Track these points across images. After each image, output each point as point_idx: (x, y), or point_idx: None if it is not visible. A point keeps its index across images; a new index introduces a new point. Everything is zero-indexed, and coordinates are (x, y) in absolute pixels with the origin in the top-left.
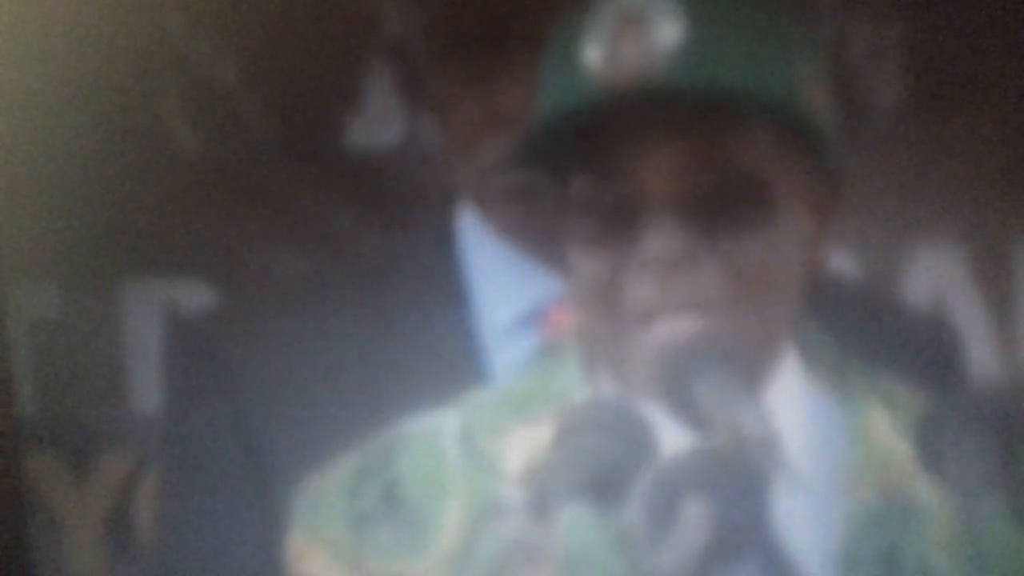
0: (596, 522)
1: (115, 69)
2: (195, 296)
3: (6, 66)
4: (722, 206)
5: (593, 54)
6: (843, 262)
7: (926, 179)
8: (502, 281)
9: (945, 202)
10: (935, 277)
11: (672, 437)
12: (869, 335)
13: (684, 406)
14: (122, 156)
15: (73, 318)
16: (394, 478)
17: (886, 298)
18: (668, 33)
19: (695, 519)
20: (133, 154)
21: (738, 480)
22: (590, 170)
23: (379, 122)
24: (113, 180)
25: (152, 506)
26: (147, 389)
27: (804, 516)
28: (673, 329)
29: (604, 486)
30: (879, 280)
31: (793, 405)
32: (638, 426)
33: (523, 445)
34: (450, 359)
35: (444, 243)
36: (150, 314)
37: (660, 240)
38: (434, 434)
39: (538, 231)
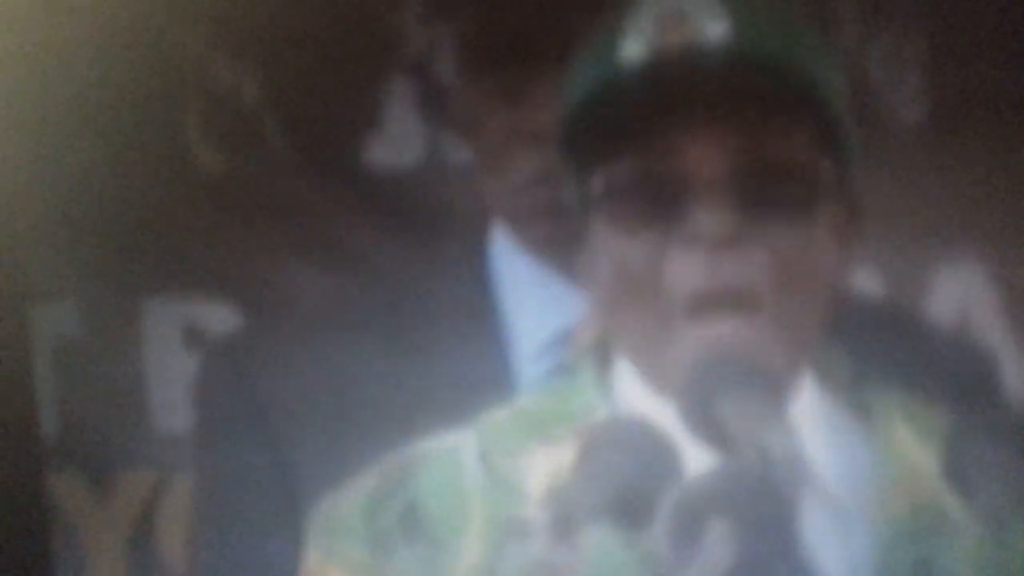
0: (622, 543)
1: (135, 86)
2: (216, 314)
3: (25, 83)
4: (770, 192)
5: (633, 47)
6: (865, 280)
7: (949, 196)
8: (535, 301)
9: (968, 219)
10: (958, 295)
11: (696, 457)
12: (897, 355)
13: (708, 425)
14: (142, 173)
15: (94, 337)
16: (412, 498)
17: (914, 318)
18: (712, 26)
19: (720, 541)
20: (153, 171)
21: (764, 501)
22: (632, 150)
23: (400, 140)
24: (133, 198)
25: (175, 524)
26: (168, 407)
27: (833, 535)
28: (717, 325)
29: (627, 507)
30: (902, 298)
31: (814, 423)
32: (662, 445)
33: (543, 465)
34: (482, 379)
35: (476, 261)
36: (171, 332)
37: (709, 218)
38: (452, 454)
39: (571, 248)
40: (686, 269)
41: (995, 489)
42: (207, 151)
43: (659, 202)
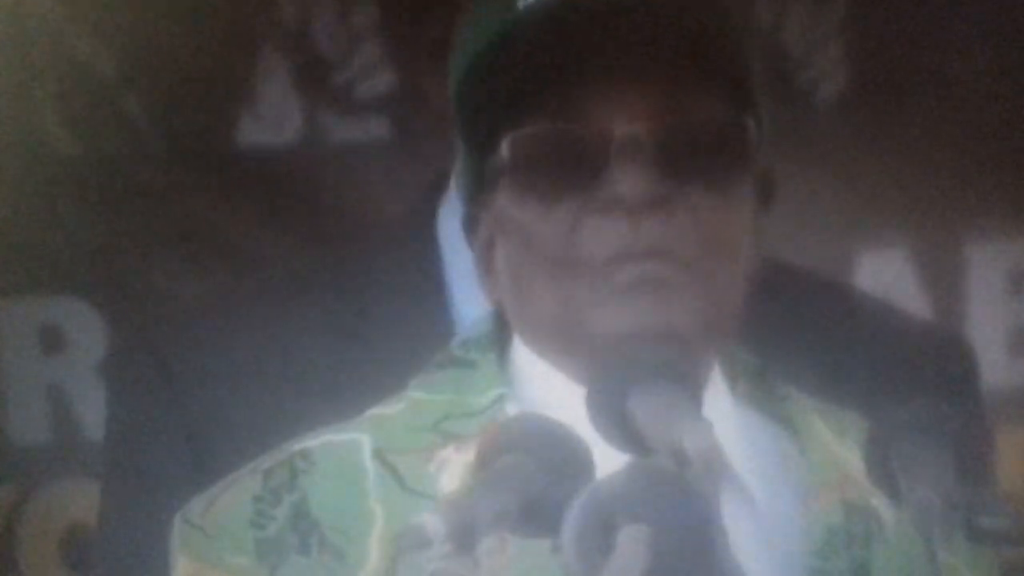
0: (548, 550)
1: None
2: (78, 316)
3: None
4: (693, 153)
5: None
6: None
7: (870, 174)
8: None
9: (890, 199)
10: (880, 278)
11: (609, 456)
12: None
13: (619, 421)
14: None
15: None
16: (303, 500)
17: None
18: None
19: (632, 547)
20: (3, 157)
21: (679, 503)
22: (540, 111)
23: (276, 117)
24: None
25: (36, 540)
26: (26, 417)
27: (758, 541)
28: (638, 271)
29: (532, 514)
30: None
31: (725, 420)
32: (570, 445)
33: (442, 465)
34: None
35: (422, 232)
36: (27, 336)
37: (629, 181)
38: (343, 451)
39: None
40: (604, 235)
41: (921, 492)
42: (63, 134)
43: (574, 166)
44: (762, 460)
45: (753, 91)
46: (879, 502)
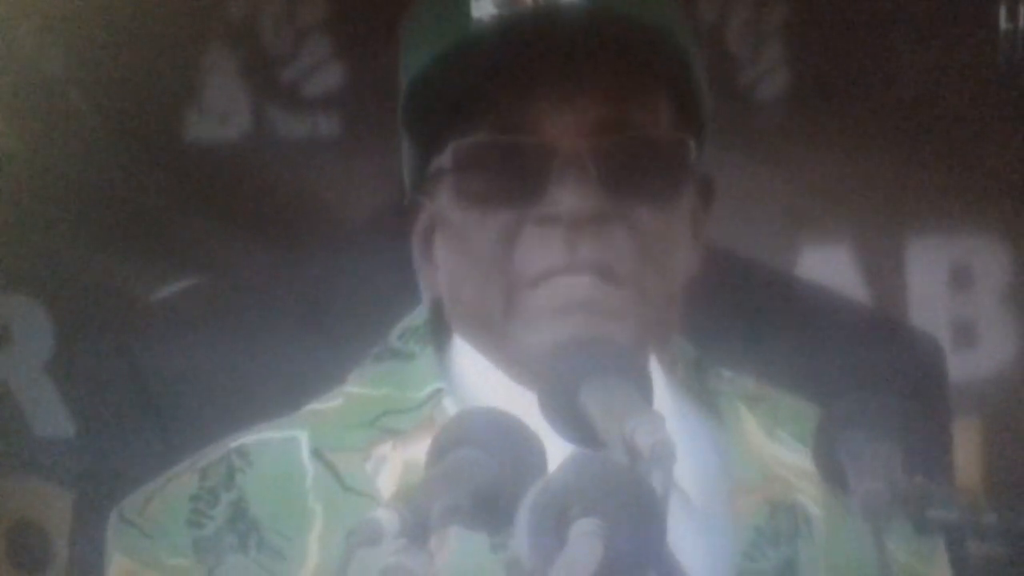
0: (487, 548)
1: None
2: (21, 312)
3: None
4: (635, 170)
5: (484, 6)
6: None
7: (812, 170)
8: None
9: (832, 194)
10: (823, 272)
11: (561, 449)
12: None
13: (571, 415)
14: None
15: None
16: (240, 498)
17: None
18: None
19: (585, 541)
20: None
21: (633, 496)
22: (486, 121)
23: (224, 113)
24: None
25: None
26: None
27: (694, 537)
28: (572, 287)
29: (486, 507)
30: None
31: (663, 411)
32: (523, 438)
33: (380, 463)
34: None
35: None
36: None
37: (569, 197)
38: (280, 449)
39: None
40: (540, 249)
41: (872, 483)
42: (9, 130)
43: (516, 178)
44: (696, 454)
45: (698, 108)
46: (806, 497)
